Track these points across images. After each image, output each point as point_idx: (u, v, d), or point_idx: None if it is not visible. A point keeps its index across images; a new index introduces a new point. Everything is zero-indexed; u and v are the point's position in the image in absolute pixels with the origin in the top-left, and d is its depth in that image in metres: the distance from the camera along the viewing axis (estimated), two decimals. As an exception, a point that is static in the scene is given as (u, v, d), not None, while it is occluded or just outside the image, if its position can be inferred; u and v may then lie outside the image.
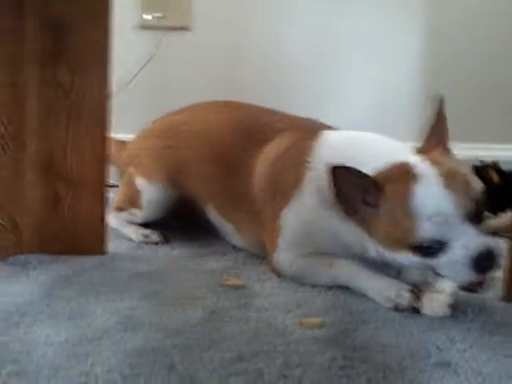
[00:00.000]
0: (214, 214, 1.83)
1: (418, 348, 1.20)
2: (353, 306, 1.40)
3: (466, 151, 2.43)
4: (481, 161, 2.24)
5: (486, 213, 1.97)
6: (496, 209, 2.15)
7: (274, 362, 1.11)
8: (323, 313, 1.35)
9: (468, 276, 1.33)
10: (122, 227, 1.92)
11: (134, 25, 2.68)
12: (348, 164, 1.36)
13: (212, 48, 2.73)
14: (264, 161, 1.65)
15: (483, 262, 1.31)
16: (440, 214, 1.30)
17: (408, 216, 1.32)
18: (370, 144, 1.54)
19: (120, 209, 1.93)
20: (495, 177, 2.18)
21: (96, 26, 1.60)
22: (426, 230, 1.30)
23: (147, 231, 1.87)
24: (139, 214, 1.90)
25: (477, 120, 2.65)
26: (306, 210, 1.54)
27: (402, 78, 2.82)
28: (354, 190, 1.37)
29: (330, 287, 1.50)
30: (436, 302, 1.38)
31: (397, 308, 1.39)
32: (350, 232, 1.47)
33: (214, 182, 1.79)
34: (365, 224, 1.41)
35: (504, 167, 2.22)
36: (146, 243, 1.83)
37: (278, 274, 1.60)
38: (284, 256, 1.59)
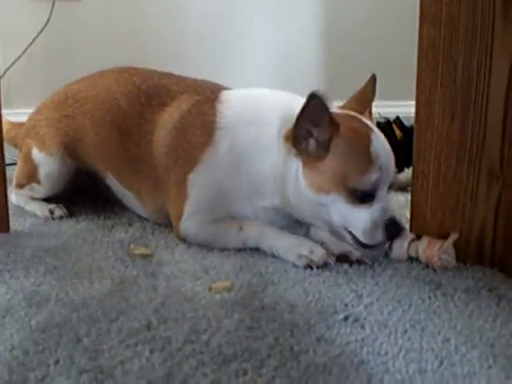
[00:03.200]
0: (114, 183, 1.80)
1: (326, 305, 1.21)
2: (262, 267, 1.41)
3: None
4: (384, 117, 2.26)
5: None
6: (400, 164, 2.19)
7: (181, 328, 1.11)
8: (232, 276, 1.35)
9: (380, 238, 1.41)
10: (26, 204, 1.87)
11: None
12: (257, 118, 1.50)
13: (103, 16, 2.68)
14: (164, 125, 1.63)
15: (394, 228, 1.41)
16: (386, 169, 1.42)
17: (363, 160, 1.40)
18: (272, 99, 1.59)
19: (21, 185, 1.87)
20: (399, 133, 2.21)
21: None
22: (373, 177, 1.39)
23: (52, 206, 1.82)
24: (40, 189, 1.85)
25: (379, 79, 2.68)
26: (221, 170, 1.53)
27: (303, 41, 2.84)
28: (312, 121, 1.40)
29: (239, 250, 1.51)
30: None
31: (309, 265, 1.41)
32: (269, 181, 1.50)
33: (110, 148, 1.75)
34: (307, 159, 1.44)
35: (406, 123, 2.25)
36: (52, 218, 1.78)
37: (185, 240, 1.58)
38: (191, 222, 1.57)
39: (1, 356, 1.02)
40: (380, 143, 1.44)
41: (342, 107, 1.56)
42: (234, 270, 1.39)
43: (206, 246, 1.54)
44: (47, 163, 1.81)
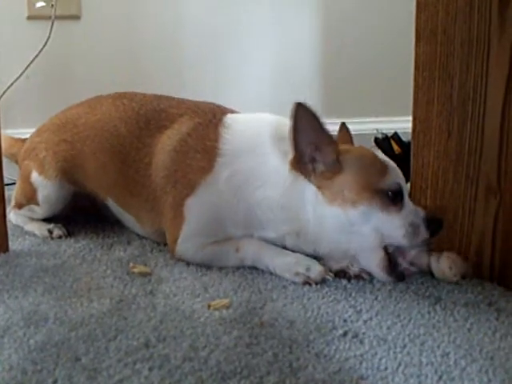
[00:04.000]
0: (113, 206, 1.80)
1: (325, 321, 1.21)
2: (261, 284, 1.41)
3: (366, 125, 2.49)
4: (382, 133, 2.27)
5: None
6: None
7: (180, 345, 1.10)
8: (231, 294, 1.35)
9: (424, 235, 1.40)
10: (25, 224, 1.88)
11: (22, 15, 2.62)
12: (260, 147, 1.49)
13: (103, 36, 2.70)
14: (163, 148, 1.62)
15: (435, 223, 1.41)
16: (397, 170, 1.46)
17: (378, 164, 1.43)
18: (278, 127, 1.54)
19: (20, 205, 1.88)
20: (396, 148, 2.22)
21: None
22: (394, 176, 1.42)
23: (50, 226, 1.82)
24: (38, 210, 1.86)
25: (375, 96, 2.70)
26: (219, 197, 1.51)
27: (300, 56, 2.86)
28: (312, 143, 1.41)
29: (238, 268, 1.51)
30: None
31: (307, 282, 1.41)
32: (274, 212, 1.47)
33: (110, 174, 1.75)
34: (321, 181, 1.42)
35: (403, 138, 2.26)
36: (51, 238, 1.78)
37: (183, 260, 1.58)
38: (186, 245, 1.56)
39: (-1, 376, 1.02)
40: (380, 153, 1.50)
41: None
42: (232, 288, 1.38)
43: (205, 265, 1.54)
44: (45, 187, 1.81)
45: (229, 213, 1.52)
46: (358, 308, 1.27)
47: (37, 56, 2.52)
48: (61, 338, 1.14)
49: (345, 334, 1.16)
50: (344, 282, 1.41)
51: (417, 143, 1.43)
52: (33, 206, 1.86)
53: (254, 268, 1.50)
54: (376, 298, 1.32)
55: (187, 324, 1.19)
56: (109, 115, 1.78)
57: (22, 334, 1.17)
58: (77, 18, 2.67)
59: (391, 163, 1.45)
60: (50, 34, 2.53)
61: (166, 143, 1.61)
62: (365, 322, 1.21)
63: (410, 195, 1.46)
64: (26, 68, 2.51)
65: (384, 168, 1.42)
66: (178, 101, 1.75)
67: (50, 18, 2.55)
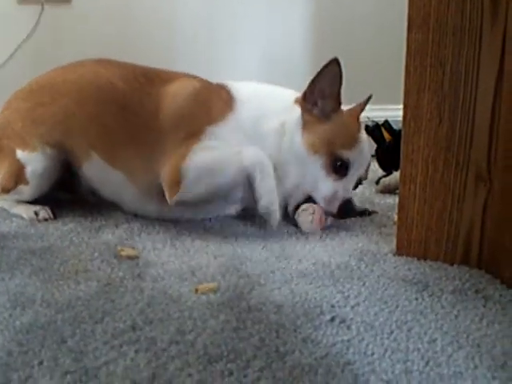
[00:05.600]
0: (96, 166, 1.80)
1: (312, 307, 1.20)
2: (249, 269, 1.40)
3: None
4: (373, 121, 2.27)
5: (381, 171, 2.06)
6: (389, 167, 2.20)
7: (167, 328, 1.10)
8: (219, 278, 1.35)
9: (333, 209, 1.68)
10: (11, 207, 1.87)
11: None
12: (269, 94, 1.80)
13: (94, 20, 2.68)
14: (175, 97, 1.74)
15: (347, 208, 1.69)
16: (364, 159, 1.72)
17: (353, 138, 1.69)
18: (274, 90, 1.83)
19: (6, 190, 1.84)
20: (387, 136, 2.22)
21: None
22: (354, 155, 1.68)
23: (37, 207, 1.82)
24: (27, 190, 1.84)
25: (365, 83, 2.69)
26: (240, 129, 1.69)
27: (293, 42, 2.85)
28: (322, 92, 1.67)
29: (224, 253, 1.51)
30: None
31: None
32: (272, 134, 1.70)
33: (100, 123, 1.78)
34: (309, 120, 1.69)
35: (394, 126, 2.26)
36: (38, 220, 1.77)
37: (177, 188, 1.63)
38: (194, 157, 1.62)
39: (-16, 357, 1.01)
40: (366, 138, 1.75)
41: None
42: (220, 272, 1.38)
43: (198, 187, 1.63)
44: (32, 160, 1.81)
45: (241, 140, 1.69)
46: (346, 294, 1.26)
47: (26, 39, 2.50)
48: (47, 320, 1.14)
49: (332, 319, 1.15)
50: (332, 267, 1.41)
51: (407, 130, 1.42)
52: (20, 187, 1.83)
53: (241, 253, 1.50)
54: (364, 284, 1.31)
55: (174, 307, 1.19)
56: (96, 72, 1.84)
57: (7, 315, 1.16)
58: (67, 1, 2.65)
59: (364, 146, 1.71)
60: (39, 17, 2.51)
61: (177, 93, 1.75)
62: (352, 307, 1.20)
63: (399, 183, 1.46)
64: (15, 51, 2.49)
65: (353, 144, 1.68)
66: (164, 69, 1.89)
67: (40, 2, 2.53)
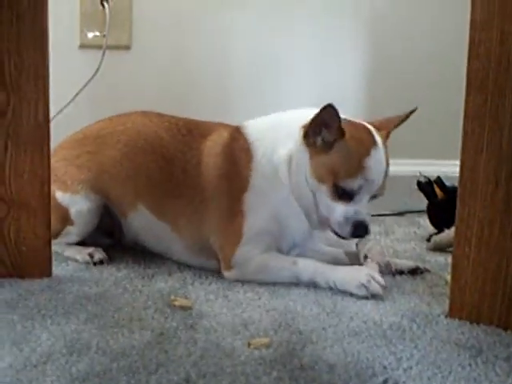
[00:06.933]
0: (142, 217, 1.84)
1: (364, 367, 1.20)
2: (301, 325, 1.41)
3: (408, 167, 2.49)
4: (425, 176, 2.27)
5: (432, 228, 2.05)
6: (441, 224, 2.18)
7: (220, 383, 1.11)
8: (271, 333, 1.35)
9: (345, 233, 1.68)
10: (64, 250, 1.89)
11: (74, 43, 2.68)
12: (276, 127, 1.81)
13: (153, 66, 2.75)
14: (211, 151, 1.79)
15: (360, 229, 1.67)
16: (372, 182, 1.66)
17: (354, 167, 1.64)
18: (289, 113, 1.84)
19: (54, 234, 1.82)
20: (439, 192, 2.21)
21: (32, 44, 1.59)
22: (356, 184, 1.64)
23: (90, 249, 1.85)
24: (73, 230, 1.88)
25: (419, 137, 2.70)
26: (264, 176, 1.74)
27: (345, 92, 2.87)
28: (323, 123, 1.64)
29: (276, 307, 1.51)
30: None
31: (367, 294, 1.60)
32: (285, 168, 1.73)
33: (146, 175, 1.83)
34: (314, 152, 1.68)
35: (447, 183, 2.25)
36: (94, 263, 1.80)
37: (230, 271, 1.70)
38: (248, 248, 1.69)
39: (42, 403, 1.03)
40: (376, 158, 1.66)
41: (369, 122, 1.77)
42: (272, 327, 1.39)
43: (251, 278, 1.70)
44: (75, 202, 1.85)
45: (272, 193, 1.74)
46: (398, 356, 1.25)
47: (87, 84, 2.57)
48: (103, 368, 1.15)
49: (385, 381, 1.14)
50: (384, 327, 1.41)
51: (463, 191, 1.42)
52: (68, 229, 1.87)
53: (293, 307, 1.51)
54: (416, 347, 1.30)
55: (227, 361, 1.20)
56: (145, 124, 1.89)
57: (64, 361, 1.18)
58: (127, 48, 2.72)
59: (367, 172, 1.65)
60: (100, 62, 2.58)
61: (212, 147, 1.80)
62: (405, 370, 1.19)
63: (454, 243, 1.45)
64: (76, 95, 2.55)
65: (357, 171, 1.64)
66: (205, 120, 1.95)
67: (101, 47, 2.60)
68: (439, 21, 2.87)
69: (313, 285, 1.67)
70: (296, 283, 1.68)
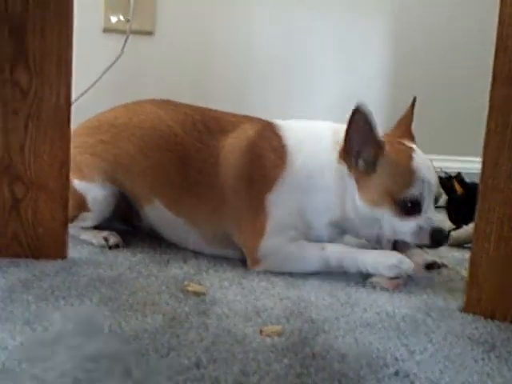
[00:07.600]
0: (158, 211, 1.83)
1: (376, 358, 1.19)
2: (313, 314, 1.40)
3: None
4: (445, 172, 2.25)
5: (450, 224, 2.03)
6: (459, 220, 2.17)
7: (231, 369, 1.10)
8: (283, 321, 1.35)
9: (426, 241, 1.63)
10: (79, 234, 1.90)
11: (98, 28, 2.68)
12: (313, 143, 1.73)
13: (175, 52, 2.75)
14: (233, 150, 1.73)
15: (439, 235, 1.63)
16: (428, 181, 1.62)
17: (406, 174, 1.61)
18: (322, 126, 1.79)
19: (70, 219, 1.80)
20: (459, 188, 2.19)
21: (57, 28, 1.59)
22: (417, 188, 1.60)
23: (106, 233, 1.86)
24: (90, 216, 1.88)
25: (440, 133, 2.68)
26: (298, 187, 1.68)
27: (370, 89, 2.86)
28: (360, 141, 1.61)
29: (290, 296, 1.51)
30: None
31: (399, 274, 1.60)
32: (336, 195, 1.68)
33: (164, 172, 1.80)
34: (359, 177, 1.64)
35: (466, 179, 2.24)
36: (109, 247, 1.81)
37: (258, 264, 1.67)
38: (272, 241, 1.65)
39: (50, 382, 1.03)
40: (420, 158, 1.65)
41: (385, 136, 1.72)
42: (285, 315, 1.38)
43: (279, 269, 1.67)
44: (91, 189, 1.85)
45: (307, 200, 1.69)
46: (412, 348, 1.24)
47: (109, 68, 2.57)
48: (114, 350, 1.15)
49: (396, 373, 1.14)
50: (397, 319, 1.40)
51: (484, 187, 1.40)
52: (84, 215, 1.87)
53: (306, 296, 1.50)
54: (430, 341, 1.29)
55: (239, 348, 1.19)
56: (159, 117, 1.84)
57: (76, 342, 1.18)
58: (150, 33, 2.73)
59: (421, 174, 1.61)
60: (123, 47, 2.58)
61: (234, 145, 1.73)
62: (417, 362, 1.18)
63: (473, 238, 1.44)
64: (98, 79, 2.56)
65: (411, 180, 1.60)
66: (223, 111, 1.88)
67: (124, 32, 2.61)
68: (463, 14, 2.86)
69: (341, 271, 1.66)
70: (312, 274, 1.67)
